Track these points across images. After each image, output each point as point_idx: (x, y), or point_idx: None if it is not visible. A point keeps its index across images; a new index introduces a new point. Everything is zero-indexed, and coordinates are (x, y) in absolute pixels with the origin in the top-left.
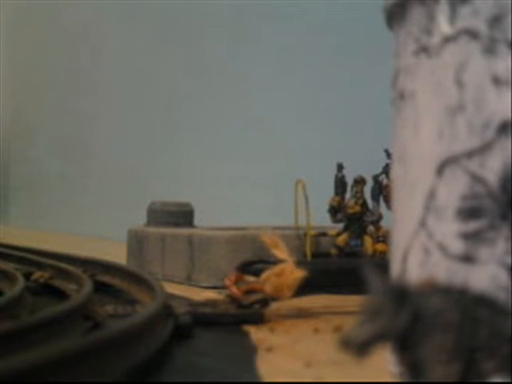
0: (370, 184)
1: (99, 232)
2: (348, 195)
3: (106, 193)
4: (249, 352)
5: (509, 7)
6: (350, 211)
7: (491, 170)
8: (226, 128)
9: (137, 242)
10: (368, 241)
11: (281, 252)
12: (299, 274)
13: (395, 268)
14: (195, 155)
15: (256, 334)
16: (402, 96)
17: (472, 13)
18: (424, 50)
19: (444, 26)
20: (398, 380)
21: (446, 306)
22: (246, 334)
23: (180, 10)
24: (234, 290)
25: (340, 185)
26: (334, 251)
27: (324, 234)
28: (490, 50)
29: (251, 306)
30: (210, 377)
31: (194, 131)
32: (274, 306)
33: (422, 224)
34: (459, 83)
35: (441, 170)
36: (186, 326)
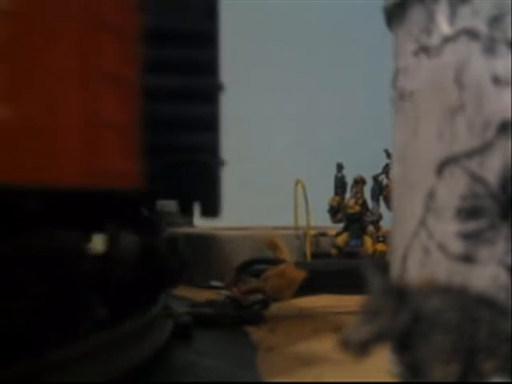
0: (369, 184)
1: None
2: (348, 195)
3: None
4: (249, 352)
5: (508, 7)
6: (350, 211)
7: (491, 170)
8: (225, 128)
9: None
10: (368, 241)
11: (281, 253)
12: (299, 274)
13: (395, 268)
14: None
15: (256, 334)
16: (401, 96)
17: (472, 13)
18: (424, 50)
19: (444, 26)
20: (397, 380)
21: (445, 307)
22: (246, 335)
23: None
24: (235, 290)
25: (340, 185)
26: (333, 251)
27: (324, 234)
28: (489, 49)
29: (251, 306)
30: (210, 377)
31: None
32: (274, 306)
33: (422, 224)
34: (459, 83)
35: (441, 169)
36: (186, 327)
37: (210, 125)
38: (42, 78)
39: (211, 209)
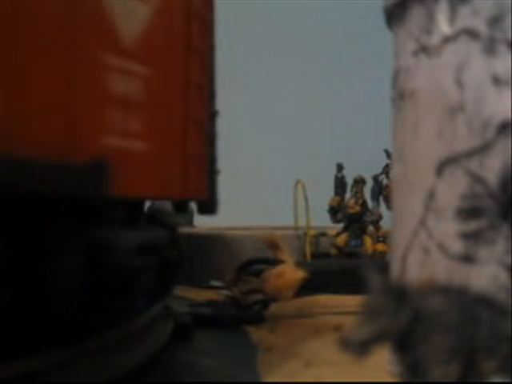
0: (369, 184)
1: None
2: (348, 195)
3: None
4: (249, 352)
5: (509, 7)
6: (350, 211)
7: (491, 169)
8: (225, 128)
9: None
10: (368, 241)
11: (281, 252)
12: (299, 274)
13: (395, 268)
14: None
15: (256, 334)
16: (401, 96)
17: (472, 13)
18: (424, 49)
19: (444, 26)
20: (397, 380)
21: (445, 307)
22: (246, 334)
23: None
24: (235, 290)
25: (340, 185)
26: (333, 251)
27: (324, 234)
28: (489, 49)
29: (251, 306)
30: (210, 377)
31: None
32: (274, 306)
33: (422, 224)
34: (459, 83)
35: (441, 169)
36: (186, 327)
37: (209, 141)
38: (161, 124)
39: (209, 207)
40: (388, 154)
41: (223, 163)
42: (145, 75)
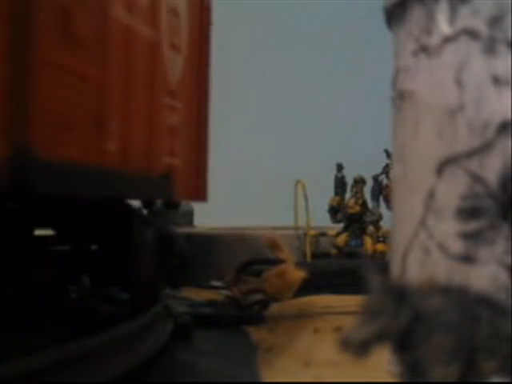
0: (369, 184)
1: None
2: (348, 195)
3: None
4: (249, 352)
5: (509, 7)
6: (350, 211)
7: (491, 169)
8: (225, 128)
9: None
10: (368, 241)
11: (281, 253)
12: (299, 274)
13: (395, 268)
14: None
15: (256, 334)
16: (401, 96)
17: (472, 13)
18: (424, 49)
19: (444, 26)
20: (397, 380)
21: (445, 306)
22: (246, 334)
23: None
24: (235, 290)
25: (340, 185)
26: (333, 251)
27: (324, 234)
28: (489, 49)
29: (251, 306)
30: (210, 377)
31: None
32: (274, 306)
33: (422, 224)
34: (459, 83)
35: (441, 169)
36: (186, 327)
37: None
38: (187, 145)
39: (172, 203)
40: (388, 154)
41: (223, 163)
42: (180, 109)
